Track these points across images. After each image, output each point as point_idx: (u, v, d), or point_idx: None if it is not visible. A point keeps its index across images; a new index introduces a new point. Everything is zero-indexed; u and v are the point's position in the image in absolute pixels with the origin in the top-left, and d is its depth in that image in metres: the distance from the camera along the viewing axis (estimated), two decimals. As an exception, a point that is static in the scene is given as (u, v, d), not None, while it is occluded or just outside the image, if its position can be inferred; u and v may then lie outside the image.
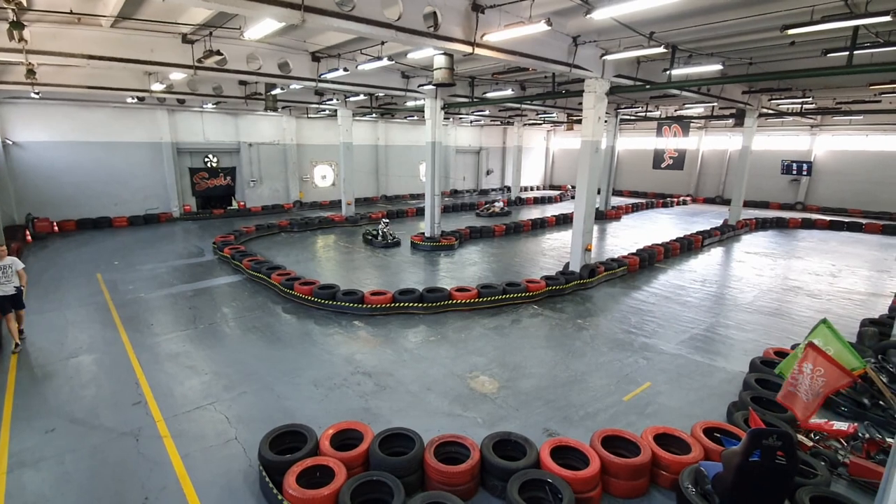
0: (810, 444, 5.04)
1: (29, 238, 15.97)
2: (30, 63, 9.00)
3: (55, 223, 17.60)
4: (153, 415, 5.77)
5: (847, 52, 8.43)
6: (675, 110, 22.02)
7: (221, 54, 9.38)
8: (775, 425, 4.90)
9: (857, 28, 7.79)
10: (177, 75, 12.11)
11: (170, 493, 4.48)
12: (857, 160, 24.71)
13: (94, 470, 4.79)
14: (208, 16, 8.55)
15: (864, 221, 20.90)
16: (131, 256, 14.09)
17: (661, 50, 9.02)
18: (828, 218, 21.86)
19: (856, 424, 5.13)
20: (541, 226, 20.06)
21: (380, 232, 16.22)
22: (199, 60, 9.65)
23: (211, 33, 9.40)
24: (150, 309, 9.59)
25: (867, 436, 4.91)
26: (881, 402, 5.62)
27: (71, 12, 8.02)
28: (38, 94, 12.72)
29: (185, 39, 9.93)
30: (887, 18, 6.51)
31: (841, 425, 5.14)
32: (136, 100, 17.42)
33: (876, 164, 24.08)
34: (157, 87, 13.89)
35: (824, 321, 5.21)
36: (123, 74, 13.65)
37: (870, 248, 16.70)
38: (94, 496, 4.44)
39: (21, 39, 7.77)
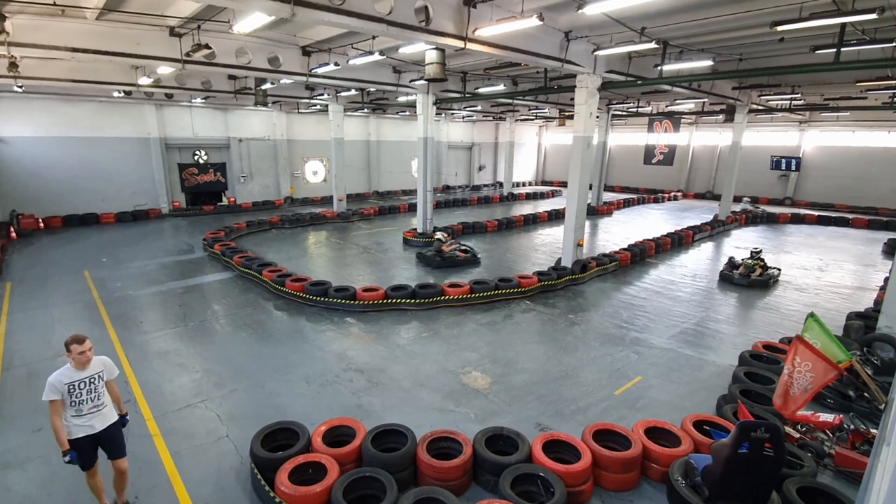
0: (797, 435, 5.12)
1: (14, 235, 15.69)
2: (12, 56, 8.82)
3: (40, 220, 17.30)
4: (143, 413, 5.70)
5: (834, 49, 8.51)
6: (667, 106, 22.13)
7: (210, 48, 9.25)
8: (763, 418, 4.96)
9: (844, 25, 7.87)
10: (164, 69, 11.92)
11: (160, 491, 4.44)
12: (844, 156, 25.04)
13: (81, 471, 4.73)
14: (196, 9, 8.41)
15: (850, 216, 21.21)
16: (119, 253, 13.90)
17: (653, 45, 9.06)
18: (816, 213, 22.16)
19: (841, 416, 5.23)
20: (533, 221, 20.11)
21: (447, 248, 12.64)
22: (188, 54, 9.51)
23: (199, 27, 9.26)
24: (139, 306, 9.48)
25: (852, 427, 5.00)
26: (866, 394, 5.71)
27: (55, 4, 7.84)
28: (20, 87, 12.43)
29: (173, 33, 9.78)
30: (873, 16, 6.60)
31: (827, 417, 5.23)
32: (122, 94, 17.12)
33: (862, 160, 24.43)
34: (144, 81, 13.69)
35: (812, 315, 5.28)
36: (109, 68, 13.42)
37: (856, 243, 16.95)
38: (81, 496, 4.37)
39: (2, 31, 7.63)
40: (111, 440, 3.92)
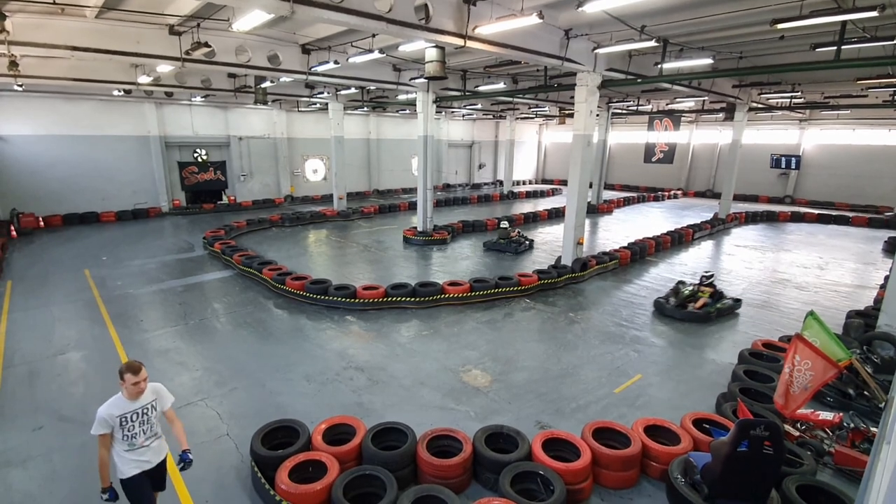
0: (797, 433, 5.13)
1: (14, 234, 15.69)
2: (12, 55, 8.80)
3: (41, 218, 17.31)
4: (143, 411, 5.71)
5: (835, 47, 8.50)
6: (667, 104, 22.10)
7: (210, 46, 9.23)
8: (763, 416, 4.97)
9: (844, 23, 7.85)
10: (164, 68, 11.90)
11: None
12: (845, 154, 25.02)
13: (82, 468, 4.73)
14: (196, 6, 8.39)
15: (850, 215, 21.21)
16: (119, 252, 13.90)
17: (653, 43, 9.04)
18: (816, 211, 22.16)
19: (841, 414, 5.23)
20: (533, 219, 20.11)
21: (513, 235, 14.60)
22: (187, 52, 9.49)
23: (199, 25, 9.24)
24: (140, 305, 9.49)
25: (852, 425, 5.00)
26: (866, 393, 5.72)
27: (54, 2, 7.84)
28: (21, 86, 12.44)
29: (173, 31, 9.76)
30: (874, 14, 6.58)
31: (826, 415, 5.23)
32: (122, 92, 17.12)
33: (862, 158, 24.40)
34: (143, 79, 13.66)
35: (811, 313, 5.28)
36: (109, 66, 13.40)
37: (856, 241, 16.95)
38: (82, 494, 4.39)
39: (3, 30, 7.62)
40: (161, 475, 3.64)
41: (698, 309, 8.97)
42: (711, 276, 9.63)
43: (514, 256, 13.87)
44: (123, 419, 3.29)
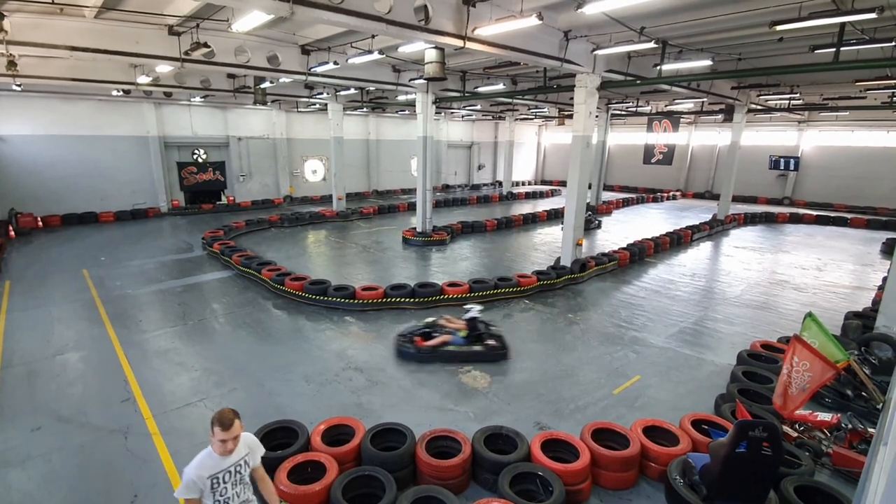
0: (795, 434, 5.13)
1: (12, 234, 15.66)
2: (11, 54, 8.80)
3: (39, 218, 17.26)
4: (142, 412, 5.71)
5: (834, 49, 8.52)
6: (666, 105, 22.15)
7: (209, 47, 9.23)
8: (762, 417, 4.98)
9: (843, 25, 7.88)
10: (163, 68, 11.91)
11: (159, 490, 4.44)
12: (843, 155, 25.07)
13: (82, 468, 4.74)
14: (195, 7, 8.41)
15: (849, 216, 21.25)
16: (118, 252, 13.88)
17: (652, 45, 9.07)
18: (814, 213, 22.20)
19: (839, 415, 5.24)
20: (532, 220, 20.12)
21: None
22: (186, 53, 9.49)
23: (198, 25, 9.24)
24: (139, 305, 9.47)
25: (850, 426, 5.02)
26: (864, 394, 5.73)
27: (53, 2, 7.84)
28: (19, 86, 12.43)
29: (172, 31, 9.76)
30: (872, 15, 6.61)
31: (825, 416, 5.25)
32: (121, 93, 17.10)
33: (861, 160, 24.46)
34: (143, 79, 13.66)
35: (810, 314, 5.29)
36: (108, 66, 13.40)
37: (854, 243, 16.98)
38: (82, 495, 4.39)
39: (1, 30, 7.62)
40: None
41: (420, 346, 7.08)
42: (470, 309, 7.41)
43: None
44: (215, 480, 2.69)
